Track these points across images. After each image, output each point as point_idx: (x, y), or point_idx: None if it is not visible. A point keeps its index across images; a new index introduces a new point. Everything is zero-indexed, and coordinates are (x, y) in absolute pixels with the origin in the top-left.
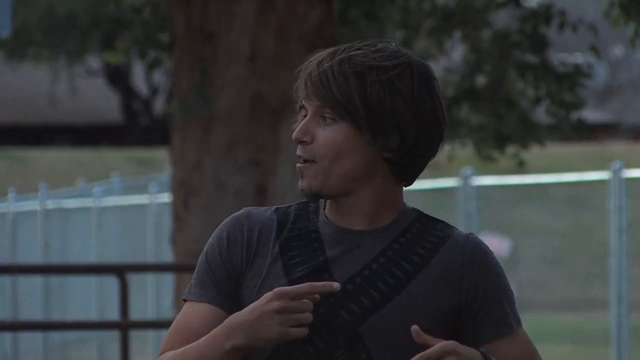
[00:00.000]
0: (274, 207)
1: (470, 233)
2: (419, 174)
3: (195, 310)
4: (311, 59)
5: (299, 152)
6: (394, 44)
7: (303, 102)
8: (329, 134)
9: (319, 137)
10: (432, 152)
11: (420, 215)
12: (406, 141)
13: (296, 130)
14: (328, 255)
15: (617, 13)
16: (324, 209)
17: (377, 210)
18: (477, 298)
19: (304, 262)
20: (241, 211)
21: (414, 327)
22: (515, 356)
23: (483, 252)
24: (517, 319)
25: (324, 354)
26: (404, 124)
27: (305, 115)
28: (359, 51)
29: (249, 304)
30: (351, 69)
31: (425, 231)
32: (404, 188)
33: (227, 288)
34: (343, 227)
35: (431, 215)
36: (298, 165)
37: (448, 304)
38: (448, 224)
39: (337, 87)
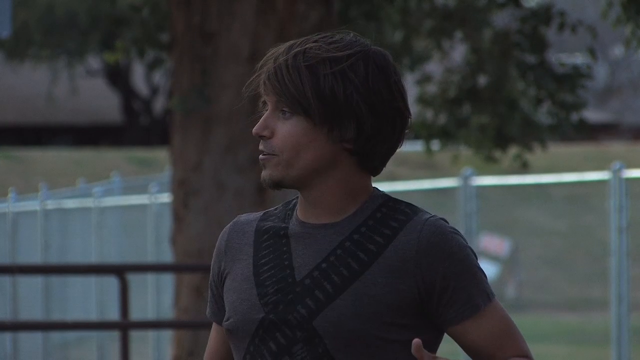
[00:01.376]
0: (262, 212)
1: (432, 216)
2: (384, 162)
3: (213, 330)
4: (271, 53)
5: (260, 146)
6: (352, 34)
7: (264, 97)
8: (287, 128)
9: (278, 132)
10: (395, 140)
11: (387, 201)
12: (363, 131)
13: (256, 125)
14: (292, 253)
15: (617, 13)
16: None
17: (343, 201)
18: (436, 283)
19: (271, 261)
20: (229, 223)
21: (415, 341)
22: (486, 335)
23: (440, 235)
24: (485, 296)
25: (284, 349)
26: (359, 115)
27: (266, 110)
28: (315, 44)
29: (229, 303)
30: (305, 62)
31: (388, 217)
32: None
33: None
34: (308, 222)
35: (398, 200)
36: (260, 157)
37: (405, 291)
38: (414, 208)
39: (290, 81)
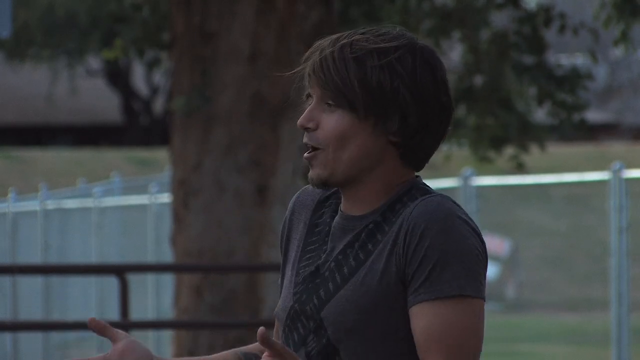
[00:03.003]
0: (321, 191)
1: (434, 195)
2: (428, 157)
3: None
4: (316, 45)
5: (305, 139)
6: (398, 28)
7: (309, 89)
8: (333, 121)
9: (323, 124)
10: (439, 135)
11: (411, 188)
12: (409, 124)
13: (301, 117)
14: (328, 245)
15: (608, 13)
16: None
17: (380, 194)
18: (408, 262)
19: (312, 251)
20: (300, 190)
21: (260, 330)
22: (422, 329)
23: (428, 212)
24: (450, 287)
25: (301, 340)
26: (404, 107)
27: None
28: (362, 35)
29: (282, 288)
30: (352, 53)
31: (401, 204)
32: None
33: None
34: (347, 214)
35: (423, 184)
36: (305, 155)
37: (394, 272)
38: (427, 191)
39: (336, 73)
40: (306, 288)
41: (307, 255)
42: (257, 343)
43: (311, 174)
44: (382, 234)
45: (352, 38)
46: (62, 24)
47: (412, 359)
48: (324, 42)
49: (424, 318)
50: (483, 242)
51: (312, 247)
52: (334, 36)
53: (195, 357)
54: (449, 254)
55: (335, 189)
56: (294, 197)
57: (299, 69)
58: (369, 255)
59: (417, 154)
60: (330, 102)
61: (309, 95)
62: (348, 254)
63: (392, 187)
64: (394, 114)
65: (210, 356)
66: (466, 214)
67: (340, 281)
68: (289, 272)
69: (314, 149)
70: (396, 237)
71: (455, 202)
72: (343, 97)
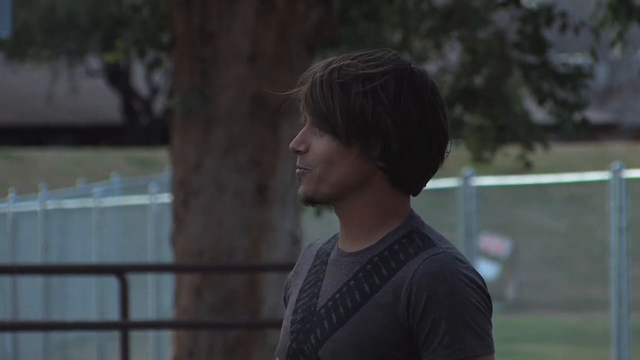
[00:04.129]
0: (334, 234)
1: (439, 252)
2: (422, 182)
3: None
4: (311, 69)
5: (297, 162)
6: (393, 52)
7: (302, 112)
8: (321, 145)
9: (313, 147)
10: (430, 159)
11: (411, 232)
12: (392, 150)
13: (293, 140)
14: (323, 281)
15: (603, 14)
16: None
17: (373, 222)
18: (416, 324)
19: (309, 288)
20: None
21: None
22: None
23: (434, 274)
24: (461, 349)
25: None
26: (387, 133)
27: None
28: (352, 61)
29: (281, 332)
30: (339, 79)
31: (402, 249)
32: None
33: None
34: (341, 249)
35: (425, 231)
36: (296, 171)
37: (395, 326)
38: (431, 242)
39: (322, 100)
40: (303, 327)
41: (305, 294)
42: None
43: (299, 190)
44: (380, 278)
45: (342, 63)
46: (63, 24)
47: None
48: (318, 65)
49: None
50: (488, 296)
51: (309, 285)
52: (328, 60)
53: None
54: (458, 318)
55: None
56: (305, 248)
57: (294, 91)
58: (366, 299)
59: (407, 179)
60: (317, 127)
61: (305, 118)
62: (345, 294)
63: (386, 218)
64: (376, 140)
65: None
66: (469, 267)
67: (336, 321)
68: (288, 311)
69: (304, 169)
70: (398, 294)
71: (457, 256)
72: (327, 123)
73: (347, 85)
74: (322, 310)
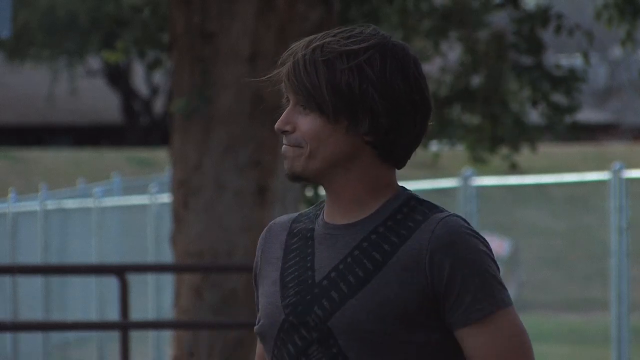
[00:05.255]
0: (297, 214)
1: (448, 215)
2: (408, 155)
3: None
4: (291, 49)
5: (284, 141)
6: (372, 27)
7: (285, 93)
8: (308, 123)
9: (300, 126)
10: (416, 132)
11: (409, 200)
12: (380, 124)
13: (278, 121)
14: (315, 254)
15: (610, 13)
16: None
17: (364, 197)
18: (444, 285)
19: (296, 264)
20: (266, 227)
21: None
22: (483, 345)
23: (452, 235)
24: (493, 304)
25: (301, 351)
26: (374, 108)
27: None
28: (333, 38)
29: (260, 306)
30: (322, 57)
31: (407, 217)
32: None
33: None
34: (331, 222)
35: (424, 199)
36: (283, 148)
37: (417, 291)
38: (434, 207)
39: (306, 78)
40: (302, 299)
41: (292, 269)
42: None
43: (285, 165)
44: (391, 245)
45: (324, 41)
46: (63, 25)
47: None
48: (298, 45)
49: (473, 339)
50: (491, 249)
51: (293, 261)
52: (308, 38)
53: None
54: (485, 274)
55: (305, 213)
56: (264, 230)
57: (274, 72)
58: (380, 266)
59: (395, 152)
60: (302, 105)
61: (287, 99)
62: (351, 264)
63: (377, 191)
64: (364, 116)
65: None
66: (472, 228)
67: (347, 290)
68: (268, 288)
69: (293, 146)
70: (417, 258)
71: (463, 218)
72: (313, 101)
73: (332, 62)
74: (325, 282)
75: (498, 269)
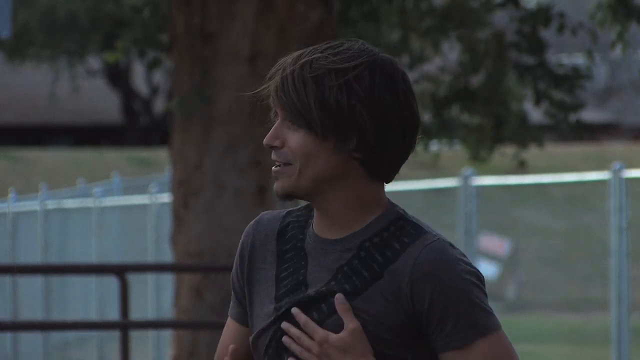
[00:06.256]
0: (285, 211)
1: (434, 241)
2: (396, 170)
3: (227, 325)
4: (279, 63)
5: (273, 156)
6: (360, 42)
7: (274, 107)
8: (297, 139)
9: (289, 141)
10: (404, 147)
11: (397, 219)
12: (367, 141)
13: (267, 136)
14: (308, 269)
15: (603, 14)
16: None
17: (354, 212)
18: (424, 312)
19: (289, 276)
20: (254, 219)
21: (338, 295)
22: None
23: (435, 262)
24: (477, 331)
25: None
26: (362, 125)
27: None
28: (321, 54)
29: (254, 316)
30: (311, 73)
31: (394, 237)
32: (387, 186)
33: (244, 301)
34: (321, 237)
35: (412, 219)
36: (273, 169)
37: (400, 314)
38: (420, 229)
39: (295, 94)
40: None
41: (284, 282)
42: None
43: (276, 186)
44: (378, 265)
45: (312, 57)
46: (63, 25)
47: None
48: (286, 59)
49: None
50: (481, 274)
51: (286, 273)
52: (296, 53)
53: None
54: (467, 301)
55: (294, 214)
56: (251, 225)
57: (263, 87)
58: (367, 285)
59: (383, 168)
60: (290, 121)
61: (275, 112)
62: (340, 280)
63: (366, 206)
64: (352, 133)
65: None
66: (460, 251)
67: (334, 306)
68: (261, 301)
69: (283, 164)
70: (400, 284)
71: (449, 242)
72: (301, 118)
73: (321, 79)
74: (316, 296)
75: (485, 294)
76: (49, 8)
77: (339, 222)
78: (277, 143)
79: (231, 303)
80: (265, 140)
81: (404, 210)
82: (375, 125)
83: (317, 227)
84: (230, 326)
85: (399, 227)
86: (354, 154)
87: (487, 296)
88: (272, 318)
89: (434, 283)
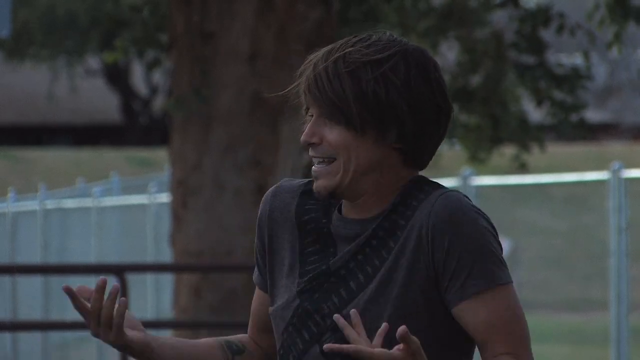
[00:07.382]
0: (304, 182)
1: (448, 191)
2: (431, 156)
3: (255, 294)
4: (309, 60)
5: (311, 153)
6: (388, 33)
7: (306, 105)
8: (335, 135)
9: (327, 137)
10: (439, 135)
11: (418, 182)
12: (406, 131)
13: (304, 133)
14: (337, 247)
15: (602, 15)
16: None
17: (387, 195)
18: (442, 261)
19: (316, 253)
20: (272, 187)
21: (401, 329)
22: (480, 321)
23: (450, 209)
24: (489, 280)
25: (315, 338)
26: (401, 116)
27: (312, 116)
28: (353, 47)
29: (275, 286)
30: (346, 68)
31: (412, 196)
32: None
33: (264, 270)
34: (350, 217)
35: (429, 179)
36: (314, 168)
37: (422, 269)
38: (436, 185)
39: (332, 90)
40: (319, 287)
41: (312, 258)
42: (241, 334)
43: (318, 185)
44: (400, 229)
45: (345, 51)
46: (62, 24)
47: (435, 352)
48: (317, 55)
49: (469, 315)
50: (494, 226)
51: (313, 249)
52: (326, 49)
53: (180, 339)
54: (484, 250)
55: (311, 180)
56: (270, 194)
57: (294, 85)
58: (391, 252)
59: (420, 157)
60: (326, 117)
61: (307, 109)
62: (369, 254)
63: (396, 189)
64: (391, 124)
65: (194, 341)
66: (473, 204)
67: (364, 280)
68: (281, 269)
69: (327, 160)
70: (420, 233)
71: (464, 194)
72: (339, 113)
73: (356, 73)
74: (343, 271)
75: (500, 246)
76: (48, 7)
77: (372, 205)
78: (315, 140)
79: (256, 271)
80: (302, 138)
81: (424, 177)
82: (413, 116)
83: (347, 208)
84: (257, 293)
85: (418, 187)
86: (395, 145)
87: (502, 249)
88: (295, 295)
89: (451, 230)
